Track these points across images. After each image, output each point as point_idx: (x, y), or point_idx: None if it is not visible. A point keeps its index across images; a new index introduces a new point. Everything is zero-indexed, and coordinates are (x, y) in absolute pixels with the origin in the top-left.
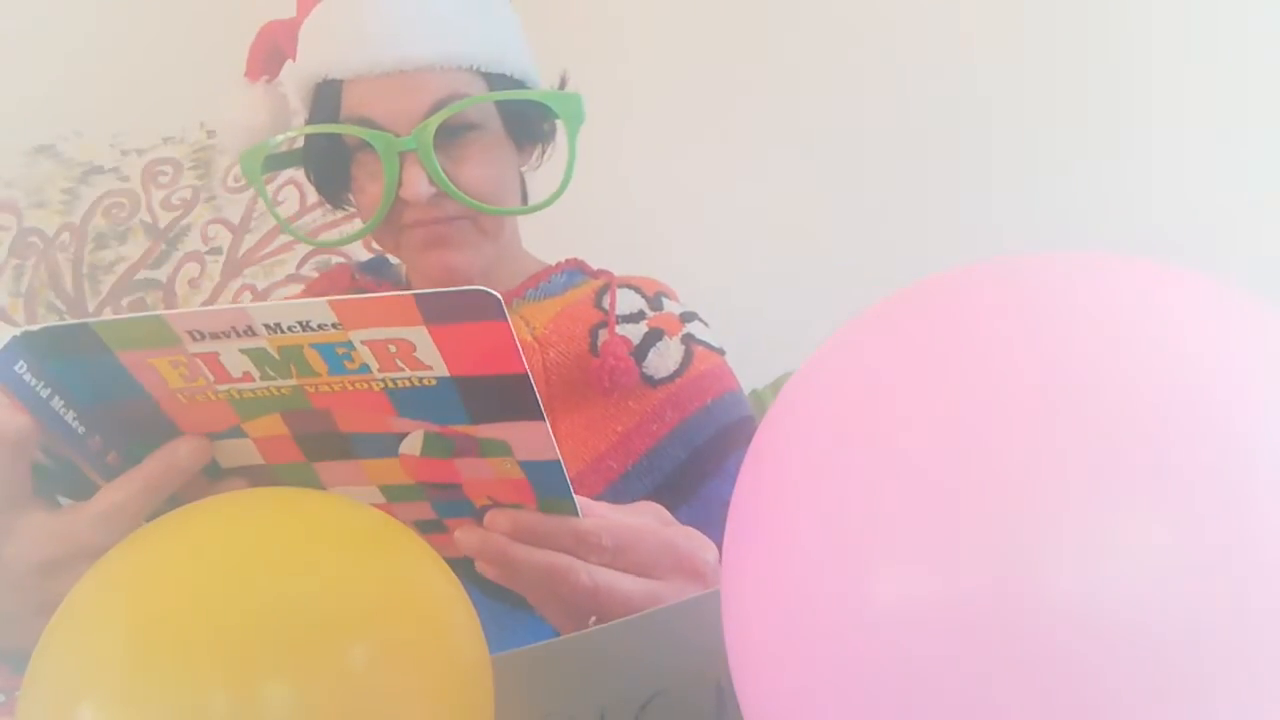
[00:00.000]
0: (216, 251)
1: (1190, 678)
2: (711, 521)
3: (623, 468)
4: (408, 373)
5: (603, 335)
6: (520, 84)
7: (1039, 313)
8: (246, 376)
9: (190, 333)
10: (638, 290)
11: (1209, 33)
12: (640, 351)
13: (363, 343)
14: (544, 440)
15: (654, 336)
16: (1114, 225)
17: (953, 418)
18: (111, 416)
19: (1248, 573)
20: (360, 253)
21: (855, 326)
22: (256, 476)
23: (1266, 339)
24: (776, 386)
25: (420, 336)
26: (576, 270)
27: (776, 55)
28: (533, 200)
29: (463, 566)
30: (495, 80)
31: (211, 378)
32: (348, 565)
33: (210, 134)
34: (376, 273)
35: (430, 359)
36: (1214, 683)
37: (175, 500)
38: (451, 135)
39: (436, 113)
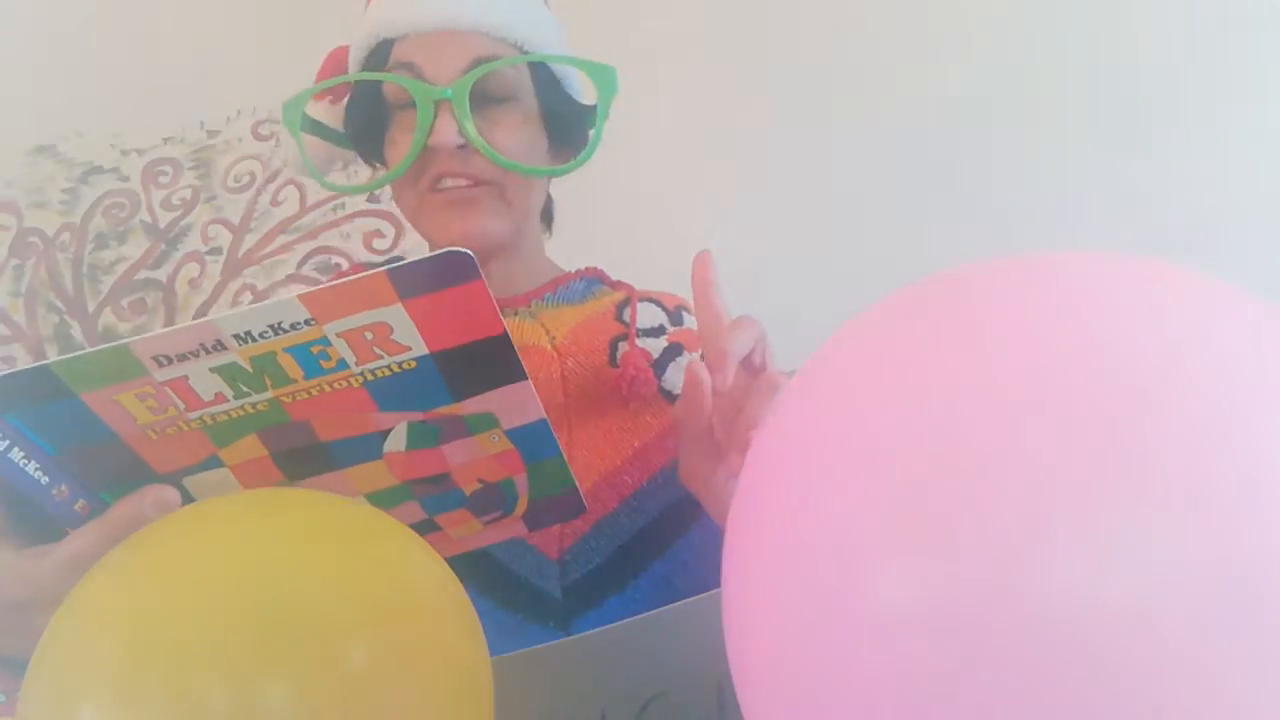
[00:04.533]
0: (216, 251)
1: (1188, 679)
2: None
3: (637, 483)
4: (386, 359)
5: (623, 348)
6: (560, 76)
7: (1038, 313)
8: (219, 398)
9: (156, 358)
10: (659, 304)
11: (1208, 32)
12: (660, 365)
13: (338, 335)
14: (529, 400)
15: (674, 351)
16: (1114, 225)
17: (953, 419)
18: (78, 463)
19: (1246, 573)
20: (361, 254)
21: (854, 327)
22: None
23: (1266, 339)
24: None
25: (397, 315)
26: (595, 279)
27: (777, 57)
28: (554, 223)
29: (469, 572)
30: (537, 65)
31: (182, 406)
32: (348, 565)
33: (210, 134)
34: None
35: (408, 338)
36: (1212, 684)
37: None
38: (487, 101)
39: (476, 68)
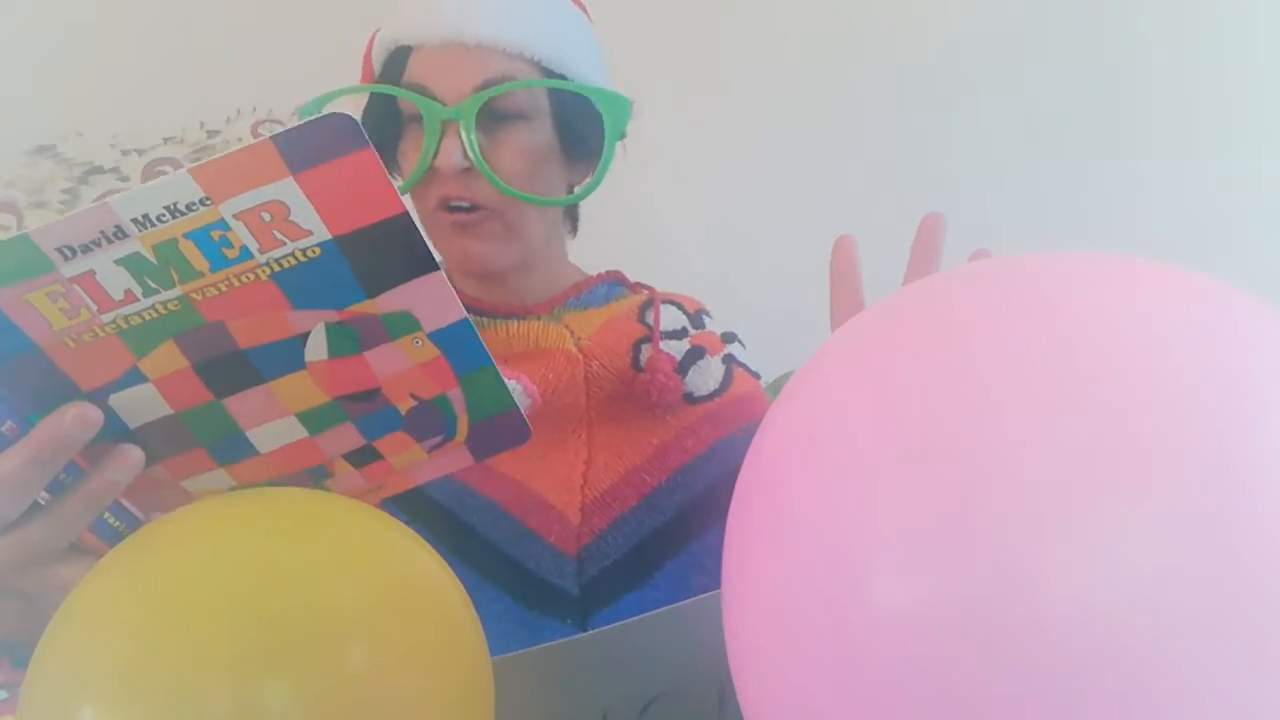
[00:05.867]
0: None
1: (1185, 681)
2: None
3: (657, 481)
4: (289, 245)
5: (646, 350)
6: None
7: (1039, 314)
8: (129, 296)
9: (60, 250)
10: (680, 307)
11: (1209, 31)
12: (682, 368)
13: (236, 217)
14: (445, 296)
15: (695, 354)
16: (1114, 225)
17: (953, 419)
18: (1, 381)
19: (1244, 575)
20: None
21: (855, 326)
22: (168, 434)
23: (1265, 340)
24: (777, 386)
25: (290, 192)
26: (616, 283)
27: (780, 53)
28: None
29: (488, 571)
30: (556, 81)
31: (95, 307)
32: (348, 565)
33: (210, 134)
34: None
35: (307, 220)
36: (1210, 686)
37: (76, 469)
38: (499, 120)
39: (486, 89)
